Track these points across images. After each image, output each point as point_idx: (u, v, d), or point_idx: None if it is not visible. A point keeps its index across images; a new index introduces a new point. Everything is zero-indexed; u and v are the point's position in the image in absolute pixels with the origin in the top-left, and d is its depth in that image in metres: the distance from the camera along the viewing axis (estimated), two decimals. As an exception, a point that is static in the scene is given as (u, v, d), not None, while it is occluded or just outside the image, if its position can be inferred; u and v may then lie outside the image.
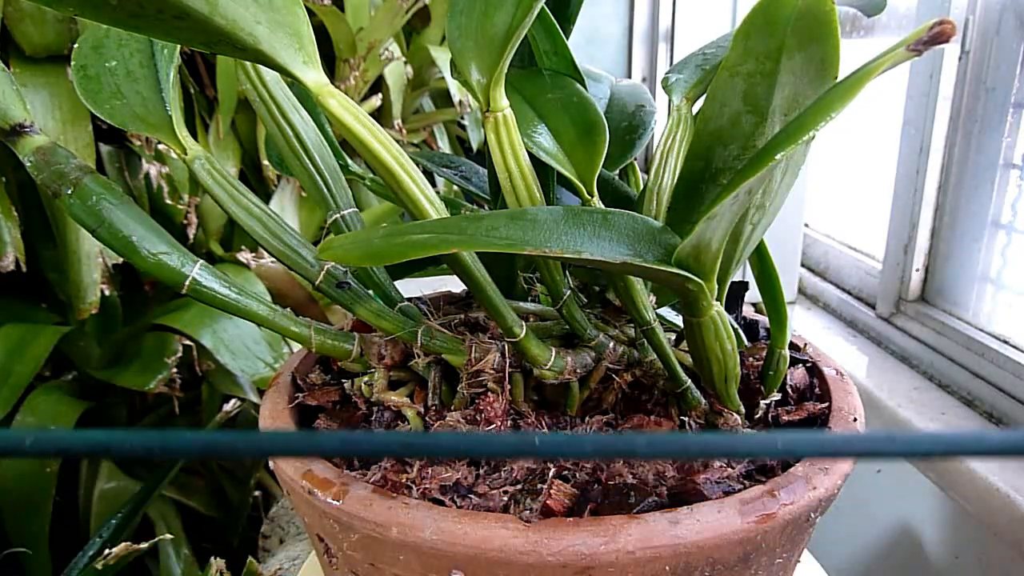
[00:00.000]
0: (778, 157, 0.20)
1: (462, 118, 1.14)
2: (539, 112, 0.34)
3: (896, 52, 0.20)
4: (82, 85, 0.34)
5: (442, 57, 1.05)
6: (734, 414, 0.33)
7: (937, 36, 0.19)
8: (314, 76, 0.27)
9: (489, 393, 0.33)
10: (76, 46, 0.35)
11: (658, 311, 0.35)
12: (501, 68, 0.28)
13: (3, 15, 0.71)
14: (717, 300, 0.28)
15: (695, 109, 0.36)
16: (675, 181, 0.32)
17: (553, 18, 0.36)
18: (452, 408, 0.34)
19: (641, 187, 0.41)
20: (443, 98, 1.18)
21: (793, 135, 0.21)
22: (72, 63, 0.35)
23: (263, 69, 0.33)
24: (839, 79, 0.24)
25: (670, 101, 0.36)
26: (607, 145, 0.33)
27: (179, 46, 0.36)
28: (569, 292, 0.34)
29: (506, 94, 0.29)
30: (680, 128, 0.34)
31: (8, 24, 0.72)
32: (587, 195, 0.32)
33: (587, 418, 0.34)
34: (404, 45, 1.10)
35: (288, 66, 0.26)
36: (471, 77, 0.29)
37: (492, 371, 0.33)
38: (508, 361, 0.33)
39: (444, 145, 1.18)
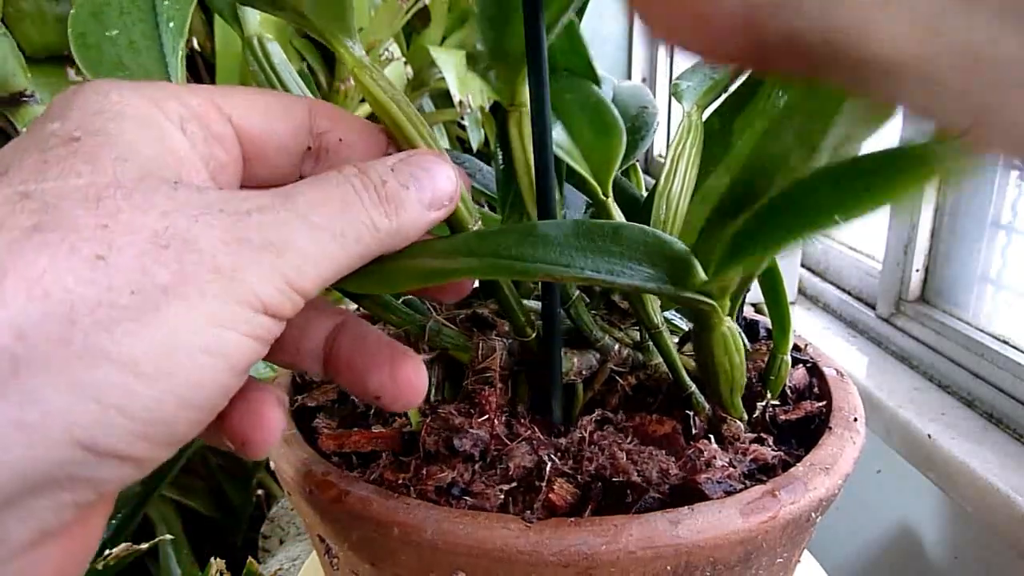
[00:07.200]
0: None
1: (462, 118, 1.14)
2: (556, 109, 0.34)
3: None
4: (81, 54, 0.32)
5: (442, 57, 1.05)
6: (737, 421, 0.33)
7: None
8: (357, 49, 0.27)
9: (487, 388, 0.33)
10: (72, 12, 0.33)
11: (663, 314, 0.35)
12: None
13: (3, 15, 0.71)
14: (729, 315, 0.28)
15: (705, 115, 0.36)
16: (714, 202, 0.32)
17: (574, 16, 0.36)
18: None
19: (642, 188, 0.41)
20: (443, 98, 1.18)
21: (800, 228, 0.22)
22: (69, 30, 0.33)
23: (271, 52, 0.32)
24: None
25: (669, 105, 0.36)
26: (624, 147, 0.33)
27: (188, 21, 0.35)
28: (578, 292, 0.34)
29: (525, 90, 0.30)
30: (691, 135, 0.34)
31: (8, 24, 0.72)
32: (602, 196, 0.32)
33: (584, 418, 0.34)
34: (404, 45, 1.09)
35: (328, 36, 0.26)
36: (494, 72, 0.29)
37: (498, 369, 0.33)
38: (515, 359, 0.33)
39: (444, 145, 1.18)
